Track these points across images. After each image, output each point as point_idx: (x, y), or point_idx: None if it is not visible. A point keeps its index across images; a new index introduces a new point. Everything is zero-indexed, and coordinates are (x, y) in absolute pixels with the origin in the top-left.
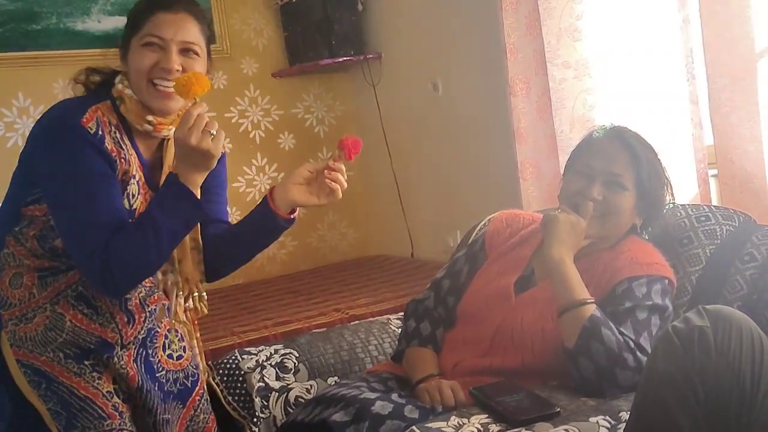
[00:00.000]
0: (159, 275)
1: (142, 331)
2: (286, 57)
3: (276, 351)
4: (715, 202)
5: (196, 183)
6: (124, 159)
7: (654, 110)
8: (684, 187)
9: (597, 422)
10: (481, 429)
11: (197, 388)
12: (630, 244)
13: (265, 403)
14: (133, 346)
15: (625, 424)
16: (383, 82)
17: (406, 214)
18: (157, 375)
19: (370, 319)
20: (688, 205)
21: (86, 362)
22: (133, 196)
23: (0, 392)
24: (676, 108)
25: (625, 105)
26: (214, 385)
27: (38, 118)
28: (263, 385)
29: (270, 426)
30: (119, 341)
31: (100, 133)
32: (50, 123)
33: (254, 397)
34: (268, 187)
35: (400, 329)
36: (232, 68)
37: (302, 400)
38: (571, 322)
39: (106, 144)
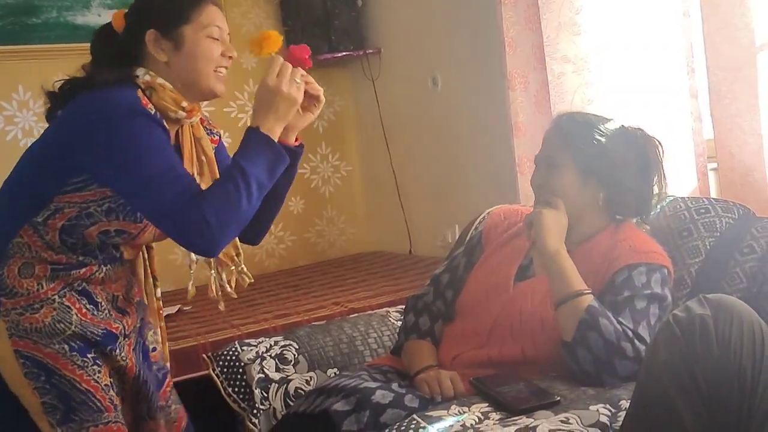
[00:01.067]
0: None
1: (138, 321)
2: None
3: (276, 343)
4: (714, 196)
5: (275, 132)
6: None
7: (653, 104)
8: (683, 180)
9: (597, 410)
10: (482, 417)
11: (168, 380)
12: (627, 233)
13: (265, 395)
14: (133, 335)
15: (625, 412)
16: (382, 77)
17: (404, 209)
18: (151, 362)
19: (370, 312)
20: (688, 197)
21: (89, 355)
22: None
23: None
24: (675, 102)
25: (625, 99)
26: (214, 376)
27: (84, 112)
28: (263, 376)
29: (270, 417)
30: (122, 331)
31: (158, 114)
32: (112, 112)
33: (254, 389)
34: None
35: (399, 322)
36: (231, 63)
37: (302, 392)
38: (569, 314)
39: (164, 122)
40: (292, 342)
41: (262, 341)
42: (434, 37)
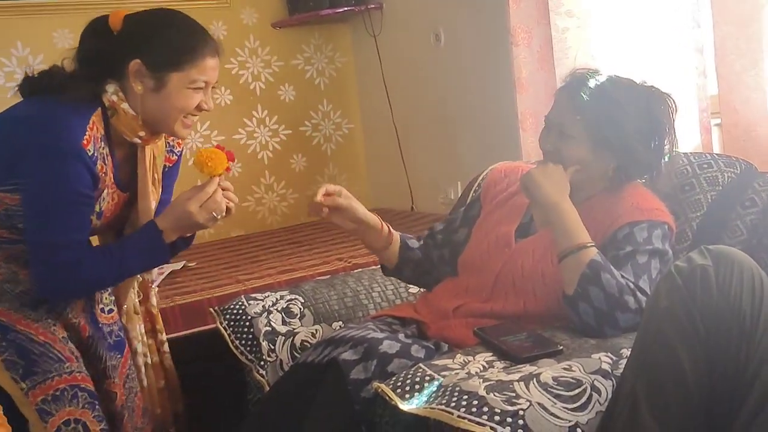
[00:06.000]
0: None
1: None
2: (286, 7)
3: (281, 297)
4: (717, 151)
5: (171, 239)
6: (105, 174)
7: (658, 59)
8: (687, 136)
9: (599, 358)
10: (486, 366)
11: (125, 352)
12: (630, 190)
13: (272, 347)
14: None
15: (626, 360)
16: (384, 32)
17: (406, 166)
18: (99, 325)
19: (373, 267)
20: (691, 153)
21: (40, 309)
22: (104, 199)
23: None
24: (680, 57)
25: (629, 54)
26: (222, 329)
27: (35, 124)
28: (270, 329)
29: (276, 369)
30: None
31: (95, 155)
32: (52, 142)
33: (261, 341)
34: (268, 139)
35: None
36: (231, 18)
37: (308, 344)
38: (571, 267)
39: (98, 165)
40: (297, 296)
41: (268, 295)
42: None
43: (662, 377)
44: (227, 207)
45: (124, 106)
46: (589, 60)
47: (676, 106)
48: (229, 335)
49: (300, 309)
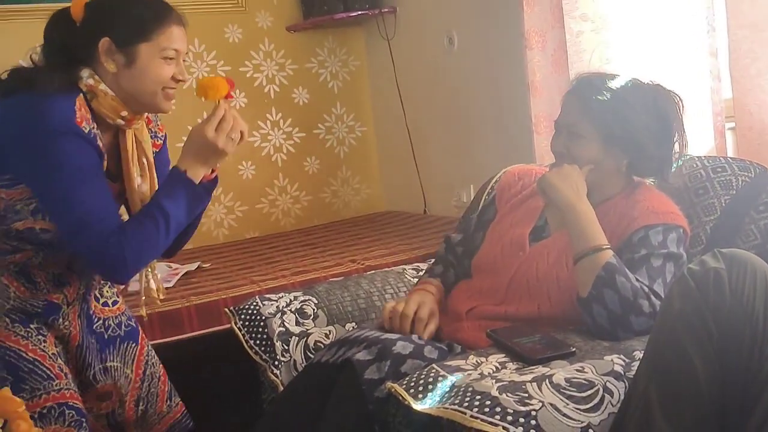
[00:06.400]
0: None
1: (81, 287)
2: (301, 10)
3: (295, 298)
4: (731, 155)
5: (199, 177)
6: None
7: (673, 63)
8: (701, 139)
9: (612, 360)
10: (499, 367)
11: (141, 332)
12: (645, 193)
13: (286, 347)
14: (77, 303)
15: (639, 362)
16: (398, 36)
17: (419, 169)
18: (94, 326)
19: (386, 269)
20: (704, 156)
21: (32, 326)
22: None
23: None
24: (695, 61)
25: (643, 58)
26: (236, 329)
27: (19, 116)
28: (284, 329)
29: (290, 369)
30: (65, 300)
31: (92, 133)
32: (43, 126)
33: (275, 341)
34: (282, 141)
35: (415, 279)
36: (247, 22)
37: (321, 345)
38: (587, 269)
39: (98, 141)
40: (311, 297)
41: (282, 296)
42: None
43: (675, 380)
44: (240, 130)
45: (102, 87)
46: (603, 63)
47: (683, 103)
48: (243, 335)
49: (313, 310)
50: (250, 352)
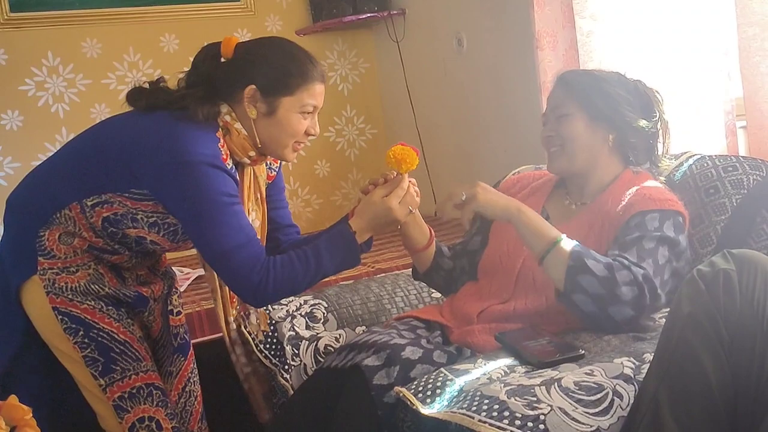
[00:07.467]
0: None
1: (165, 288)
2: (310, 14)
3: (305, 302)
4: (743, 154)
5: (364, 239)
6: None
7: (683, 62)
8: (712, 138)
9: (621, 363)
10: (507, 370)
11: (191, 349)
12: (642, 182)
13: (296, 351)
14: (161, 301)
15: (649, 365)
16: (407, 38)
17: (429, 171)
18: (170, 328)
19: (396, 272)
20: (715, 155)
21: (122, 309)
22: None
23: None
24: (705, 59)
25: (653, 57)
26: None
27: (173, 143)
28: (294, 333)
29: (300, 373)
30: (152, 295)
31: (233, 170)
32: (198, 158)
33: (285, 346)
34: None
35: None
36: (256, 25)
37: (331, 349)
38: (554, 264)
39: (237, 176)
40: (321, 301)
41: (292, 300)
42: None
43: (685, 382)
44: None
45: (237, 126)
46: (613, 63)
47: (661, 97)
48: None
49: (323, 313)
50: (260, 356)
